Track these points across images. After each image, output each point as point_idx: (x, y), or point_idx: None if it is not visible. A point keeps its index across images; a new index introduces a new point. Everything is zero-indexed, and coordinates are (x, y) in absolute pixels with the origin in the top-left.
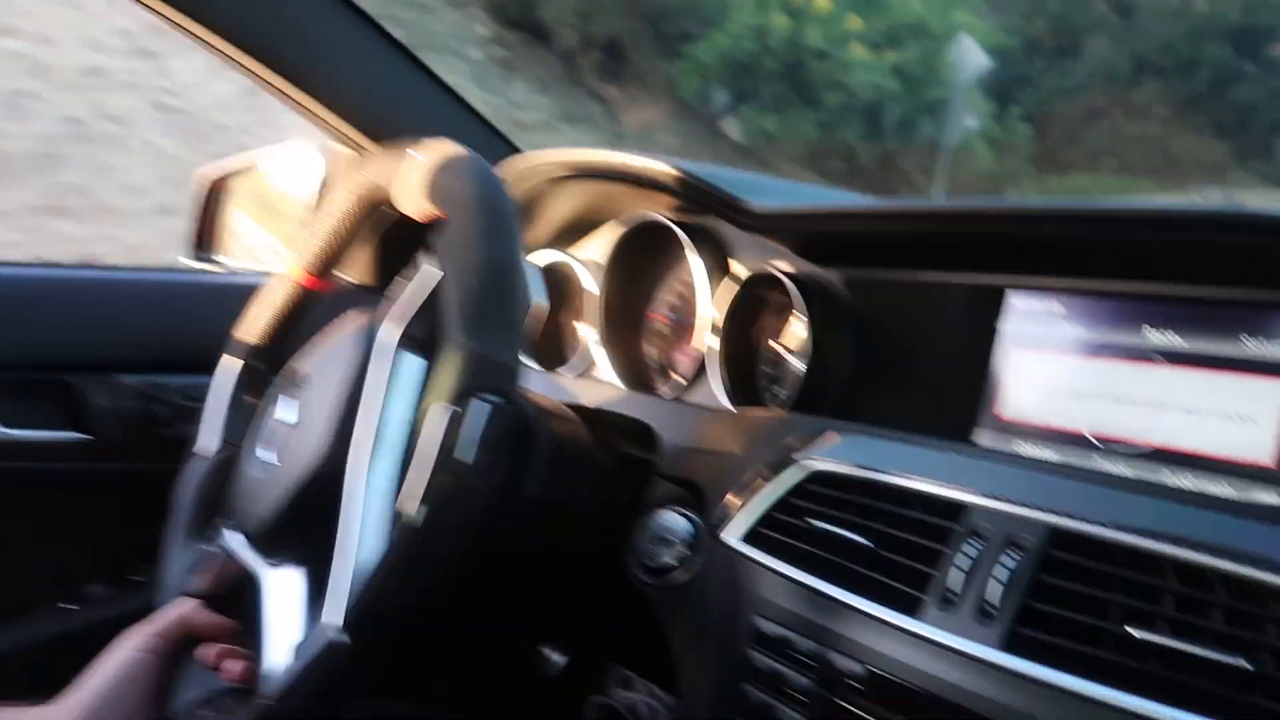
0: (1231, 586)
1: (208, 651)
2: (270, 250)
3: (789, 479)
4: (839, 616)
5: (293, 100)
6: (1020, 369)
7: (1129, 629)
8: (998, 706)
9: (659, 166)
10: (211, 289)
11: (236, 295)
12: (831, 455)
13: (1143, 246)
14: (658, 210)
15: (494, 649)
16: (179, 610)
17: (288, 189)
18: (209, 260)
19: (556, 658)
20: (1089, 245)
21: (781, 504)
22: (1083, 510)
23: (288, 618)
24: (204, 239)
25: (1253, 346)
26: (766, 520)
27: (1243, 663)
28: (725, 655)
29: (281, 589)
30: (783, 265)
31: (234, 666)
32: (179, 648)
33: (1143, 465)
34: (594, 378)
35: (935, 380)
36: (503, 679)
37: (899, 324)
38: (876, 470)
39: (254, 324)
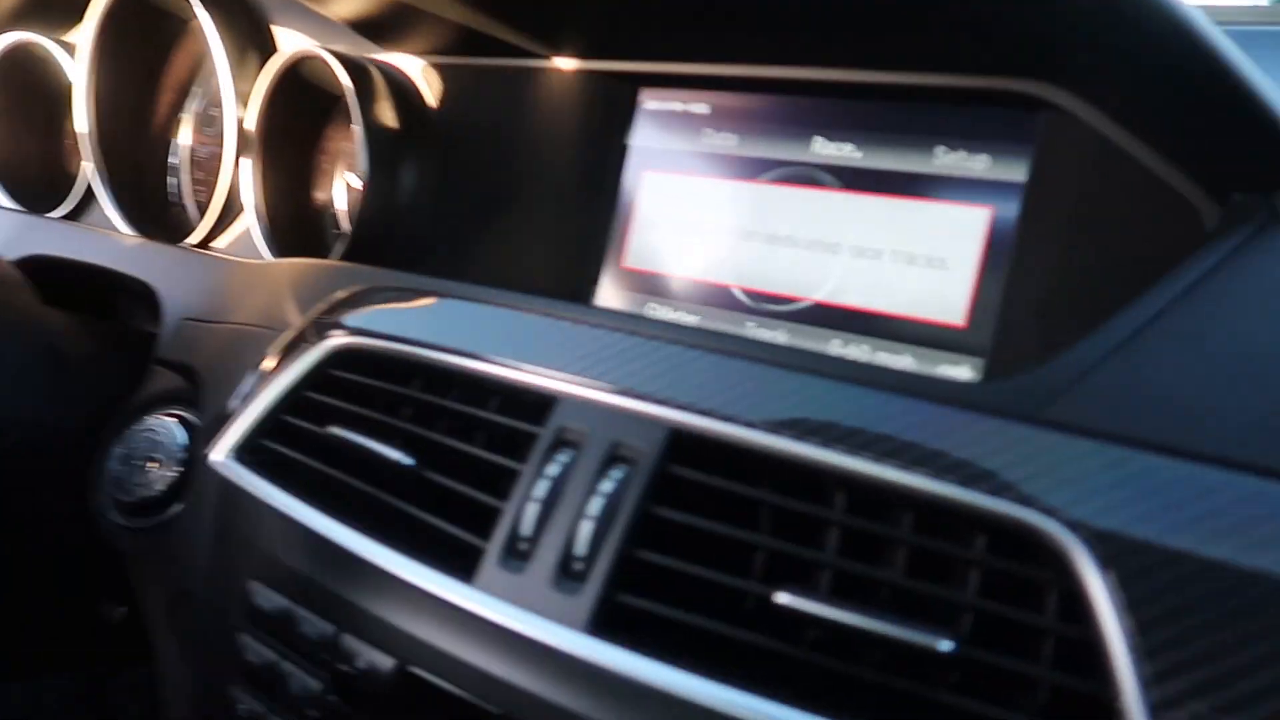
0: (920, 513)
1: None
2: None
3: (302, 363)
4: (365, 583)
5: None
6: (653, 198)
7: (779, 595)
8: None
9: None
10: None
11: None
12: (368, 324)
13: (816, 9)
14: None
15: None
16: None
17: None
18: None
19: (119, 609)
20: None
21: (292, 401)
22: (720, 400)
23: None
24: None
25: (950, 161)
26: (270, 427)
27: (941, 643)
28: (209, 641)
29: None
30: (336, 46)
31: None
32: None
33: (804, 330)
34: (91, 221)
35: (543, 215)
36: (74, 637)
37: (498, 138)
38: (427, 346)
39: None
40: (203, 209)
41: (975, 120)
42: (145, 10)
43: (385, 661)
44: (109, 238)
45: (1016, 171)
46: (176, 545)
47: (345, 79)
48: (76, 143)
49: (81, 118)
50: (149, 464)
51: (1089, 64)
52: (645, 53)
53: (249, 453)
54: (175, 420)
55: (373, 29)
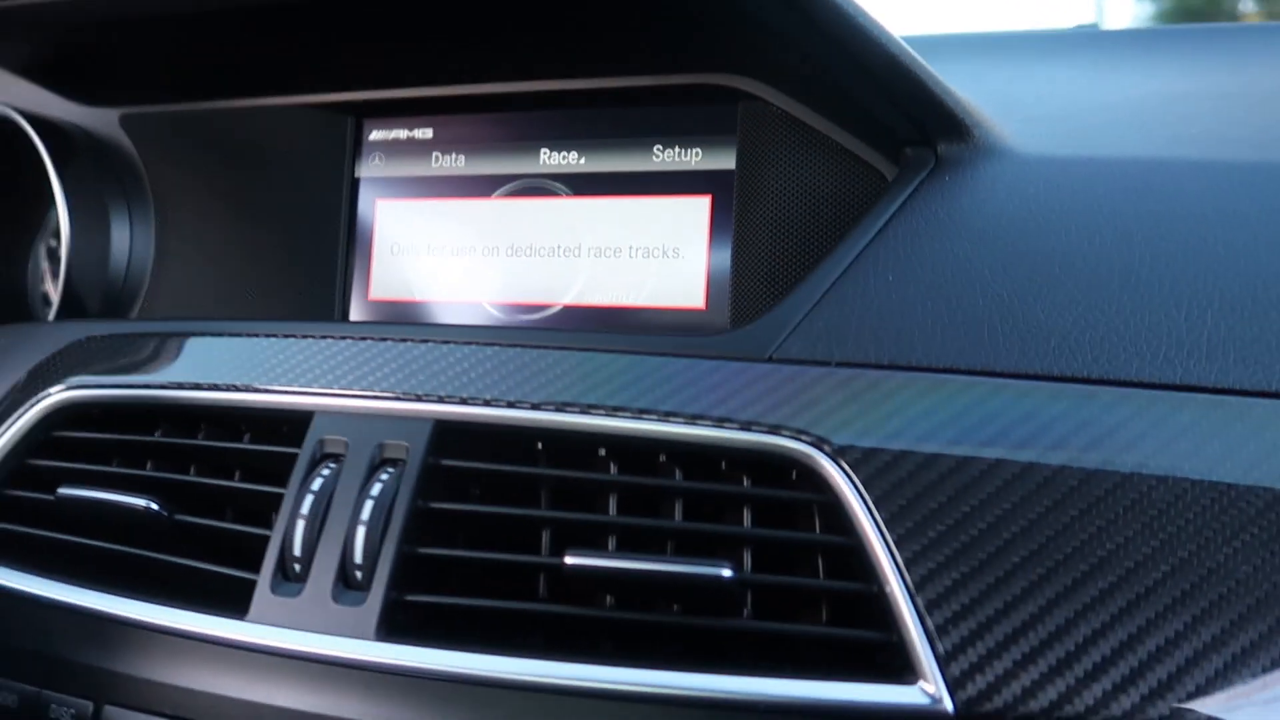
0: (689, 461)
1: None
2: None
3: (17, 428)
4: (125, 645)
5: None
6: (391, 228)
7: (569, 557)
8: None
9: None
10: None
11: None
12: (90, 375)
13: (525, 23)
14: None
15: None
16: None
17: None
18: None
19: None
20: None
21: (15, 470)
22: (480, 387)
23: None
24: None
25: (667, 157)
26: None
27: (722, 571)
28: None
29: None
30: (23, 105)
31: None
32: None
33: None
34: None
35: (277, 260)
36: None
37: (217, 183)
38: (161, 387)
39: None
40: None
41: (684, 117)
42: None
43: None
44: None
45: (726, 160)
46: None
47: (37, 139)
48: None
49: None
50: None
51: (773, 56)
52: (361, 82)
53: None
54: None
55: (64, 80)
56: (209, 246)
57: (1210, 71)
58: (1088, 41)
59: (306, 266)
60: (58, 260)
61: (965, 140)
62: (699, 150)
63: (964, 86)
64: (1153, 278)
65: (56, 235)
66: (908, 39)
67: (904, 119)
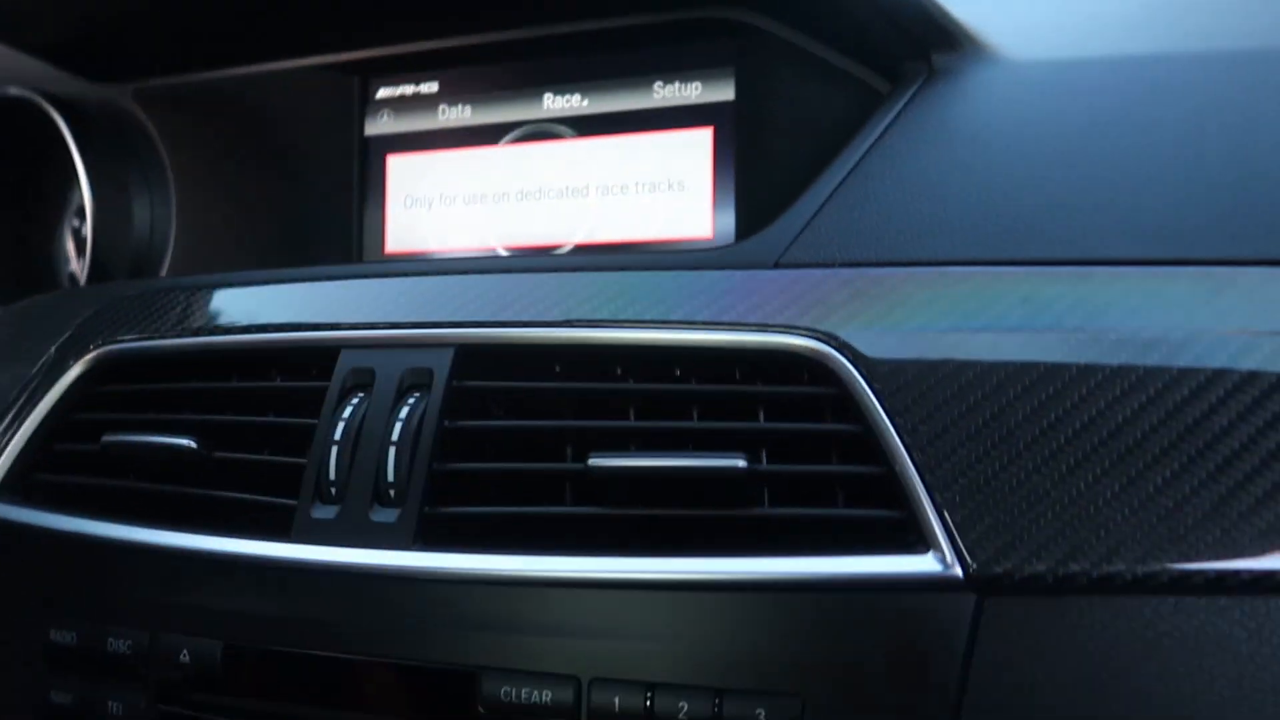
0: (703, 365)
1: None
2: None
3: (63, 380)
4: (177, 575)
5: None
6: (403, 182)
7: (593, 459)
8: (430, 635)
9: None
10: None
11: None
12: (130, 328)
13: None
14: None
15: None
16: None
17: None
18: None
19: None
20: None
21: (60, 423)
22: (498, 310)
23: None
24: None
25: (668, 93)
26: (40, 457)
27: (737, 461)
28: (10, 699)
29: None
30: (38, 86)
31: None
32: None
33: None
34: None
35: (294, 219)
36: None
37: (231, 149)
38: (195, 334)
39: None
40: None
41: (683, 53)
42: None
43: (213, 647)
44: None
45: (726, 92)
46: None
47: (61, 122)
48: None
49: None
50: None
51: None
52: (366, 40)
53: (20, 489)
54: None
55: (78, 59)
56: (227, 212)
57: None
58: None
59: (322, 224)
60: (82, 241)
61: (958, 50)
62: (699, 84)
63: None
64: (1141, 166)
65: (80, 215)
66: None
67: (898, 34)
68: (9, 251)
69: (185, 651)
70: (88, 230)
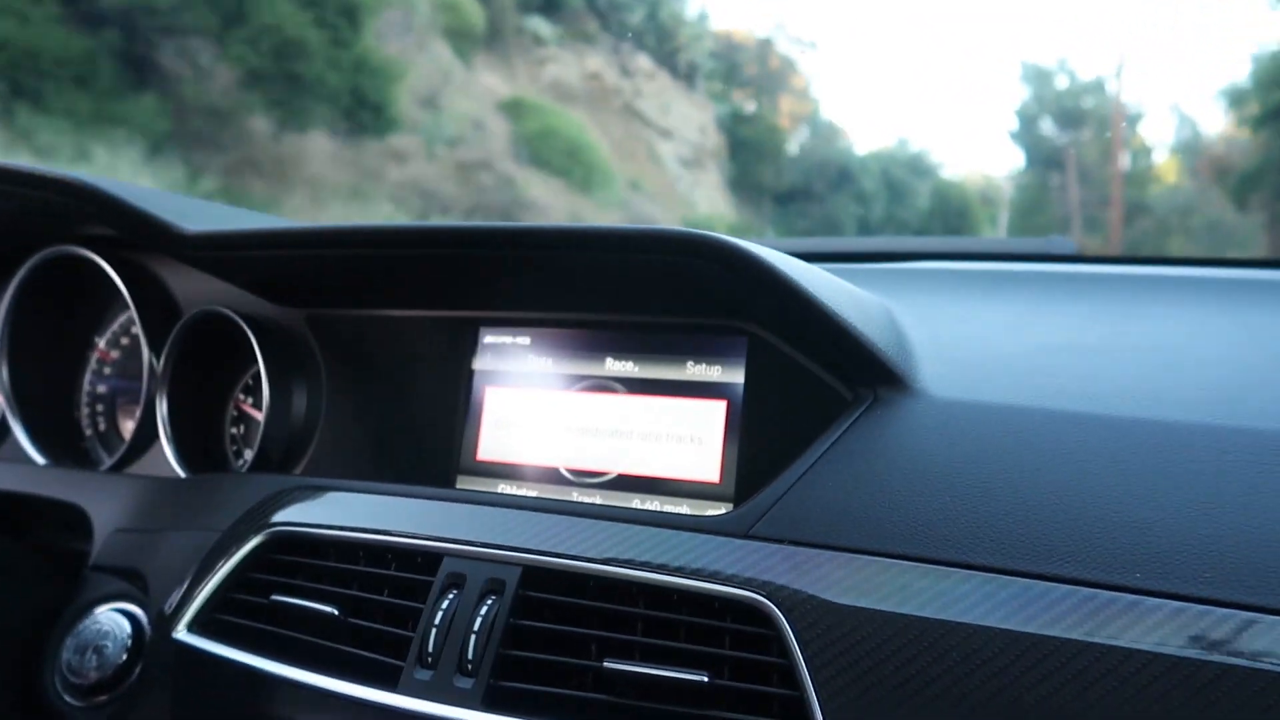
0: (690, 603)
1: None
2: None
3: (244, 548)
4: (313, 707)
5: None
6: (496, 407)
7: (607, 663)
8: None
9: (72, 180)
10: None
11: None
12: (294, 515)
13: (600, 275)
14: (73, 240)
15: None
16: None
17: None
18: None
19: None
20: (550, 271)
21: (238, 579)
22: (554, 544)
23: None
24: None
25: (697, 370)
26: (222, 602)
27: (701, 677)
28: None
29: None
30: (235, 305)
31: None
32: None
33: (613, 494)
34: (2, 456)
35: (411, 426)
36: None
37: (371, 367)
38: (345, 528)
39: None
40: (105, 438)
41: (708, 344)
42: (59, 275)
43: None
44: (28, 467)
45: (738, 376)
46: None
47: (250, 332)
48: None
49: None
50: (98, 650)
51: (759, 310)
52: (482, 303)
53: (206, 626)
54: (118, 613)
55: (270, 290)
56: (362, 415)
57: (1138, 320)
58: (1040, 282)
59: (433, 433)
60: (241, 421)
61: (894, 385)
62: (719, 367)
63: (918, 320)
64: (1032, 502)
65: (242, 396)
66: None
67: (852, 365)
68: (192, 429)
69: None
70: (260, 420)
